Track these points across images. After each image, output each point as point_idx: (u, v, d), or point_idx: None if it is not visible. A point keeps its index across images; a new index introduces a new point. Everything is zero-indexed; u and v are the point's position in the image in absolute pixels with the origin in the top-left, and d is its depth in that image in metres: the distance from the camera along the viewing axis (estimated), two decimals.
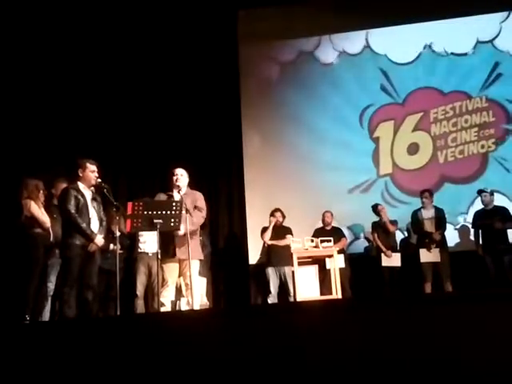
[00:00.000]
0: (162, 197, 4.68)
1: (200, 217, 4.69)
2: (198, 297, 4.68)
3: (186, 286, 4.60)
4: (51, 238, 4.95)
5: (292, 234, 6.43)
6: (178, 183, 4.62)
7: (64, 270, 4.49)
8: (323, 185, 7.28)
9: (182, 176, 4.67)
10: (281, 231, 6.54)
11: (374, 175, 7.35)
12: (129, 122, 7.31)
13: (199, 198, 4.75)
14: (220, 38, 7.43)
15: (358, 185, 7.29)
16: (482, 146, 7.19)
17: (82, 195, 4.42)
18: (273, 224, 6.54)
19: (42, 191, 4.98)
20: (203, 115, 7.36)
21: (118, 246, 4.90)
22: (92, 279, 4.42)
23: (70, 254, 4.32)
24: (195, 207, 4.66)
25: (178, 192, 4.62)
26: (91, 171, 4.48)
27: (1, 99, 6.78)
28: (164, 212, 4.29)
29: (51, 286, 5.12)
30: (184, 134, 7.27)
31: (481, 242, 6.25)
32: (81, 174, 4.47)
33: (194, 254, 4.48)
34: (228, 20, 7.49)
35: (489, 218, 6.14)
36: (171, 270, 4.54)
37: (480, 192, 6.34)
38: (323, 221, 6.73)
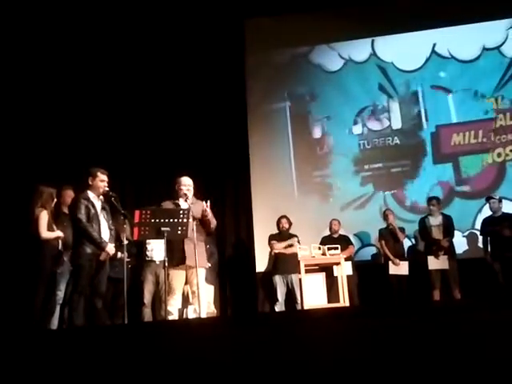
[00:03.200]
0: (168, 205, 4.69)
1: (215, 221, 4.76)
2: (204, 305, 4.67)
3: (192, 294, 4.60)
4: (60, 246, 4.97)
5: (299, 242, 6.41)
6: (186, 192, 4.64)
7: (74, 277, 4.51)
8: (330, 192, 7.28)
9: (190, 186, 4.70)
10: (287, 238, 6.53)
11: (370, 188, 7.22)
12: (136, 131, 7.35)
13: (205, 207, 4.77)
14: (227, 47, 7.47)
15: (352, 200, 7.15)
16: (499, 155, 6.97)
17: (93, 204, 4.44)
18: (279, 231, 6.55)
19: (54, 200, 5.02)
20: (210, 122, 7.38)
21: (126, 254, 4.91)
22: (102, 287, 4.44)
23: (81, 262, 4.34)
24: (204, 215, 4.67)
25: (186, 200, 4.64)
26: (101, 180, 4.51)
27: (8, 106, 6.85)
28: (171, 220, 4.30)
29: (60, 294, 5.13)
30: (190, 141, 7.30)
31: (489, 249, 6.21)
32: (91, 183, 4.49)
33: (200, 262, 4.50)
34: (235, 29, 7.54)
35: (497, 225, 6.10)
36: (178, 277, 4.54)
37: (488, 199, 6.32)
38: (330, 228, 6.71)
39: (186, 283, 4.63)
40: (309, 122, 7.58)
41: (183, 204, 4.63)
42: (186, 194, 4.63)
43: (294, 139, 7.54)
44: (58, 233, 4.95)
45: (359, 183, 7.30)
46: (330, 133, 7.50)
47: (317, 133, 7.56)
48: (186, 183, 4.69)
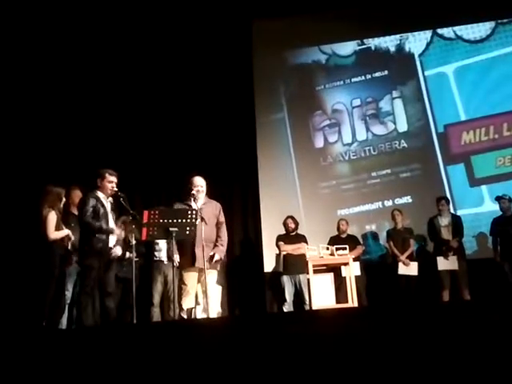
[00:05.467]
0: (179, 206, 4.72)
1: (225, 240, 4.82)
2: (215, 305, 4.70)
3: (203, 294, 4.63)
4: (69, 246, 4.99)
5: (307, 242, 6.40)
6: (199, 194, 4.69)
7: (82, 278, 4.53)
8: (339, 192, 7.24)
9: (201, 187, 4.75)
10: (295, 239, 6.52)
11: (379, 197, 7.11)
12: (145, 132, 7.36)
13: (220, 211, 4.84)
14: (235, 47, 7.48)
15: (360, 211, 7.07)
16: None
17: (102, 204, 4.47)
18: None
19: (62, 200, 5.03)
20: (218, 122, 7.38)
21: (134, 254, 4.93)
22: (110, 287, 4.46)
23: (88, 262, 4.36)
24: (218, 222, 4.77)
25: (194, 200, 4.66)
26: (109, 181, 4.54)
27: (16, 107, 6.90)
28: (179, 220, 4.32)
29: (68, 294, 5.16)
30: (199, 142, 7.30)
31: (499, 250, 6.16)
32: (99, 184, 4.53)
33: (212, 264, 4.56)
34: (243, 30, 7.54)
35: (507, 225, 6.04)
36: (190, 279, 4.58)
37: (498, 199, 6.25)
38: (338, 229, 6.68)
39: (198, 283, 4.66)
40: (310, 132, 7.48)
41: (194, 205, 4.66)
42: (193, 195, 4.66)
43: (303, 138, 7.48)
44: (66, 231, 4.96)
45: (368, 192, 7.16)
46: (332, 142, 7.43)
47: (319, 142, 7.46)
48: (197, 183, 4.74)
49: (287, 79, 7.65)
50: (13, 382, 2.00)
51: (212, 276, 4.64)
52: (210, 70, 7.45)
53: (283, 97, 7.60)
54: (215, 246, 4.71)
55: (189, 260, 4.55)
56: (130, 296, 4.90)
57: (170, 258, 5.00)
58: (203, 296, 4.59)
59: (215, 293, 4.74)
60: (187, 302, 4.55)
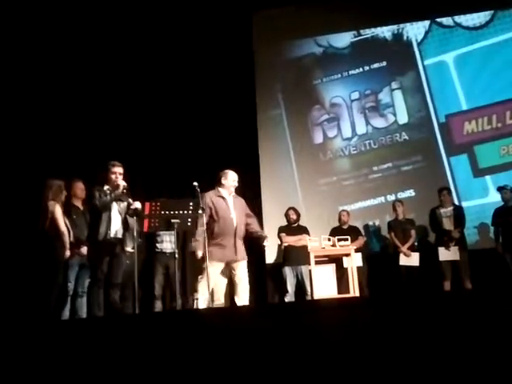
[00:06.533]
0: (212, 196, 4.75)
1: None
2: (245, 295, 4.73)
3: (236, 285, 4.72)
4: (71, 238, 5.00)
5: (308, 234, 6.41)
6: (232, 188, 4.84)
7: (92, 269, 4.65)
8: (340, 188, 7.19)
9: (234, 182, 4.88)
10: (297, 230, 6.53)
11: (381, 192, 7.04)
12: (146, 126, 7.32)
13: (246, 205, 5.01)
14: (235, 40, 7.43)
15: (361, 207, 7.01)
16: None
17: (106, 194, 4.49)
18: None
19: (63, 192, 5.04)
20: (220, 117, 7.34)
21: (136, 246, 4.93)
22: (115, 279, 4.49)
23: (94, 254, 4.50)
24: (247, 214, 4.91)
25: (230, 194, 4.79)
26: (112, 173, 4.56)
27: (17, 102, 6.89)
28: (181, 212, 4.34)
29: (71, 285, 5.18)
30: (201, 136, 7.26)
31: (500, 240, 6.16)
32: (104, 176, 4.59)
33: (242, 255, 4.70)
34: (243, 24, 7.49)
35: (509, 216, 6.04)
36: (216, 269, 4.61)
37: (500, 189, 6.24)
38: (339, 220, 6.68)
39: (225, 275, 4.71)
40: (308, 127, 7.40)
41: (227, 197, 4.77)
42: (223, 185, 4.82)
43: (304, 128, 7.41)
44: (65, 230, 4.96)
45: (369, 187, 7.08)
46: (331, 137, 7.35)
47: (318, 138, 7.38)
48: (235, 178, 4.88)
49: (284, 74, 7.55)
50: (17, 374, 2.01)
51: (244, 265, 4.73)
52: (211, 63, 7.39)
53: (281, 92, 7.50)
54: (261, 235, 4.84)
55: (226, 252, 4.59)
56: (132, 288, 4.92)
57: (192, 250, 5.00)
58: (236, 287, 4.67)
59: (247, 282, 4.78)
60: (200, 290, 4.58)
